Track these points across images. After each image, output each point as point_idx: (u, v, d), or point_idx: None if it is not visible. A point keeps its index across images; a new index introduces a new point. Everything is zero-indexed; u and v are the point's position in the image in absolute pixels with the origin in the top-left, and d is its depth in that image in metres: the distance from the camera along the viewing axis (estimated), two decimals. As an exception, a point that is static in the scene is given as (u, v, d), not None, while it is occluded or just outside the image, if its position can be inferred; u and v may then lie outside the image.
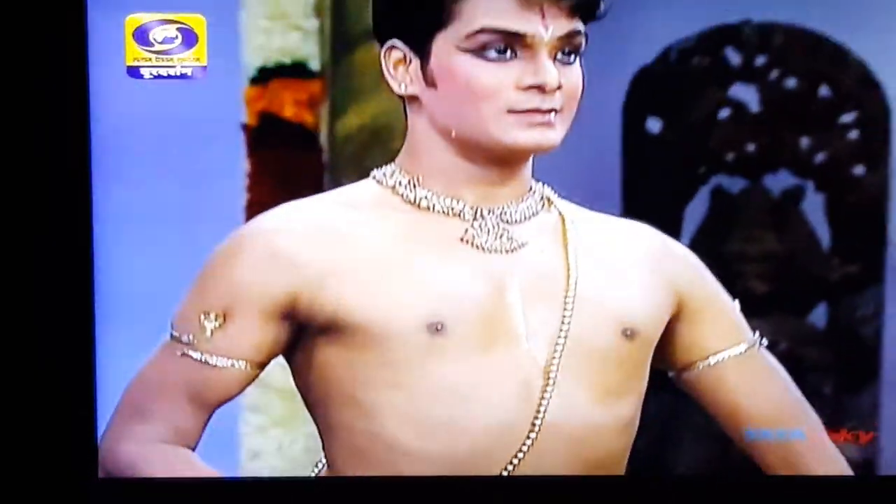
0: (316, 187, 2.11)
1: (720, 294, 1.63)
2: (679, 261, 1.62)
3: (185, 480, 1.54)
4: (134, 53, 1.81)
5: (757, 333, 1.64)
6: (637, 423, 1.57)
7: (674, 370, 1.62)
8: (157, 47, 1.81)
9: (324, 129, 2.16)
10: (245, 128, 2.12)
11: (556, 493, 1.58)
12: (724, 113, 2.15)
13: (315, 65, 2.15)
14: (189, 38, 1.82)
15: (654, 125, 2.15)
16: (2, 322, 1.87)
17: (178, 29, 1.81)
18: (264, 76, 2.14)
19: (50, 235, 1.86)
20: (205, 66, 1.83)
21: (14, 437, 1.87)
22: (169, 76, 1.83)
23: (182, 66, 1.82)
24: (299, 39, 2.15)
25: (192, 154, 1.98)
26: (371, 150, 2.14)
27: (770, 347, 1.66)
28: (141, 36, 1.81)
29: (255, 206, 2.05)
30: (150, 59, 1.82)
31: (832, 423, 1.96)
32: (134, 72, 1.82)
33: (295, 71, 2.15)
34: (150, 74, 1.82)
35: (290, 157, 2.14)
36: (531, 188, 1.55)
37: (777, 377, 1.65)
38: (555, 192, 1.59)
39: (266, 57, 2.14)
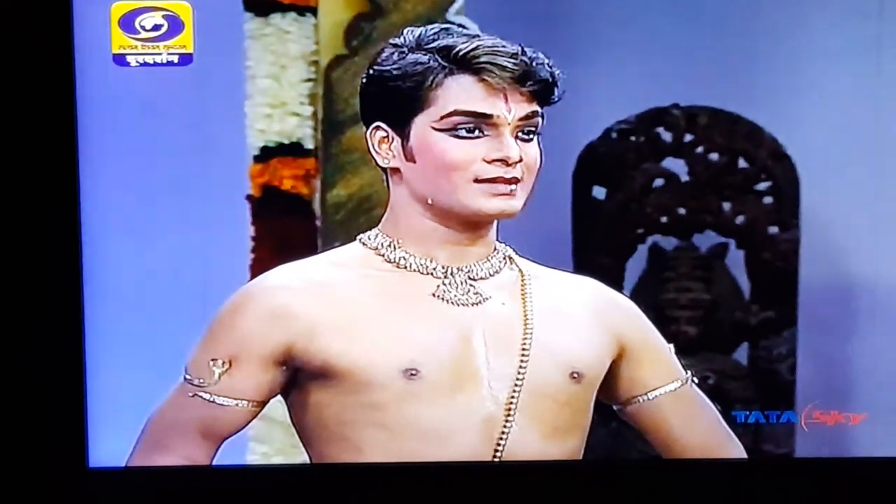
0: (310, 248, 2.09)
1: (657, 338, 1.61)
2: (621, 310, 1.59)
3: (174, 469, 1.50)
4: (120, 41, 1.66)
5: (689, 372, 1.61)
6: (581, 454, 1.54)
7: (618, 404, 1.59)
8: (143, 35, 1.66)
9: (317, 199, 2.14)
10: (250, 198, 2.10)
11: (527, 477, 1.55)
12: (659, 182, 2.14)
13: (309, 144, 2.13)
14: (175, 26, 1.67)
15: (599, 193, 2.14)
16: None
17: (164, 16, 1.67)
18: (266, 155, 2.11)
19: (36, 222, 1.73)
20: (191, 54, 1.70)
21: (7, 426, 1.78)
22: (155, 64, 1.68)
23: (168, 54, 1.68)
24: (296, 123, 2.13)
25: (179, 140, 1.89)
26: (357, 216, 2.12)
27: (700, 382, 1.63)
28: (127, 23, 1.65)
29: (259, 265, 2.03)
30: (136, 47, 1.67)
31: (755, 444, 1.94)
32: (120, 59, 1.67)
33: (292, 150, 2.12)
34: (136, 62, 1.67)
35: (289, 224, 2.11)
36: (495, 248, 1.53)
37: (706, 409, 1.63)
38: (515, 251, 1.55)
39: (267, 138, 2.11)
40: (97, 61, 1.71)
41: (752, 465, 1.77)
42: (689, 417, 1.59)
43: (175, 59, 1.71)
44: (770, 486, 1.81)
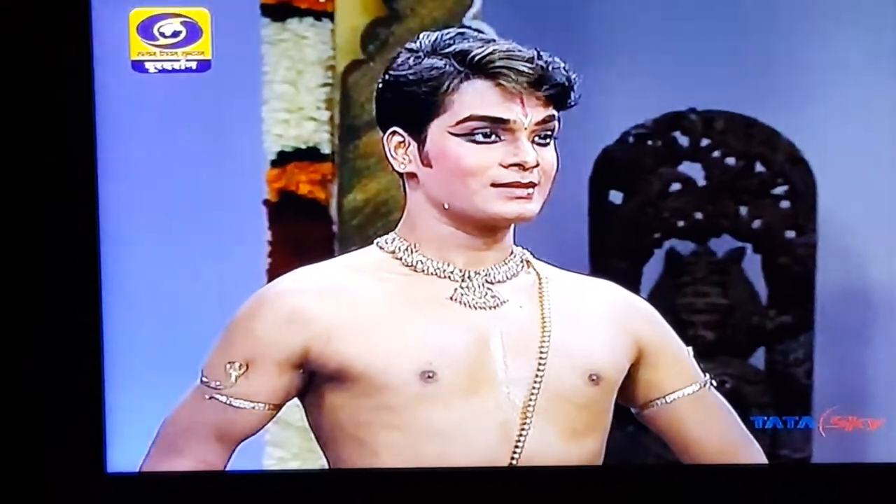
0: (327, 252, 2.08)
1: (675, 341, 1.58)
2: (639, 313, 1.57)
3: (192, 474, 1.48)
4: (138, 47, 1.66)
5: (707, 375, 1.59)
6: (602, 456, 1.52)
7: (636, 407, 1.57)
8: (162, 41, 1.65)
9: (334, 204, 2.14)
10: (266, 203, 2.10)
11: (544, 481, 1.53)
12: (675, 187, 2.14)
13: (326, 149, 2.14)
14: (193, 32, 1.67)
15: (615, 197, 2.14)
16: (11, 319, 1.75)
17: (182, 23, 1.66)
18: (283, 159, 2.12)
19: (55, 227, 1.72)
20: (209, 60, 1.69)
21: (25, 432, 1.77)
22: (174, 70, 1.67)
23: (187, 60, 1.66)
24: (313, 128, 2.13)
25: (197, 146, 1.88)
26: (374, 221, 2.12)
27: (717, 386, 1.62)
28: (145, 30, 1.65)
29: (275, 269, 2.04)
30: (155, 54, 1.66)
31: (773, 449, 1.93)
32: (138, 66, 1.66)
33: (309, 155, 2.13)
34: (155, 69, 1.66)
35: (305, 228, 2.12)
36: (512, 252, 1.51)
37: (725, 412, 1.60)
38: (533, 254, 1.54)
39: (285, 143, 2.12)
40: (116, 68, 1.71)
41: (769, 470, 1.75)
42: (707, 421, 1.57)
43: (193, 65, 1.70)
44: (788, 492, 1.80)
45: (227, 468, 1.53)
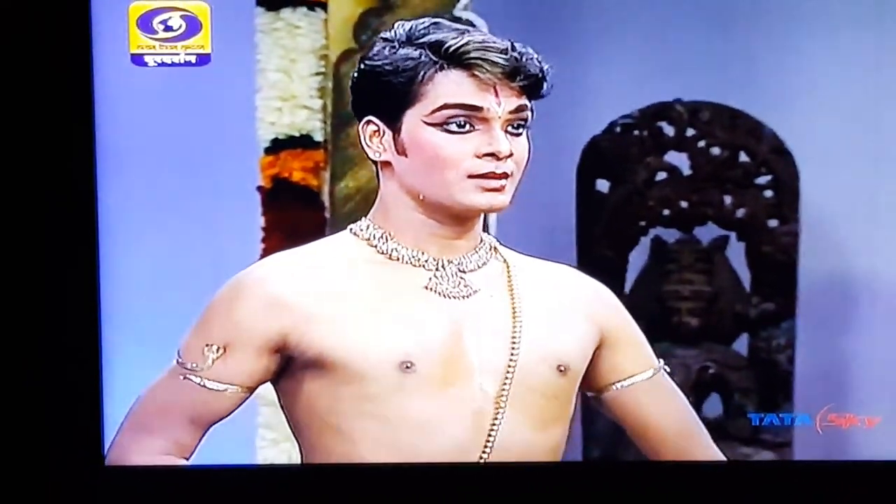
0: (319, 238, 2.09)
1: (634, 326, 1.58)
2: (602, 299, 1.57)
3: (189, 468, 1.49)
4: (138, 41, 1.65)
5: (661, 361, 1.59)
6: (564, 445, 1.53)
7: (593, 391, 1.57)
8: (161, 35, 1.64)
9: (326, 191, 2.14)
10: (260, 190, 2.10)
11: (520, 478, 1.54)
12: (661, 176, 2.13)
13: (319, 137, 2.14)
14: (193, 26, 1.66)
15: (602, 186, 2.13)
16: (10, 315, 1.75)
17: (181, 17, 1.65)
18: (276, 147, 2.12)
19: (54, 219, 1.72)
20: (209, 54, 1.68)
21: (24, 425, 1.78)
22: (173, 64, 1.66)
23: (186, 54, 1.66)
24: (306, 116, 2.13)
25: (195, 137, 1.88)
26: (365, 208, 2.07)
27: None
28: (145, 24, 1.64)
29: (269, 255, 2.04)
30: (154, 47, 1.65)
31: (756, 434, 1.94)
32: (138, 59, 1.66)
33: (302, 142, 2.13)
34: (154, 62, 1.65)
35: (298, 215, 2.12)
36: (482, 240, 1.52)
37: (679, 398, 1.60)
38: (499, 241, 1.54)
39: (278, 131, 2.12)
40: (115, 61, 1.70)
41: (755, 466, 1.75)
42: (663, 405, 1.57)
43: (193, 59, 1.69)
44: (774, 487, 1.80)
45: (223, 462, 1.53)
